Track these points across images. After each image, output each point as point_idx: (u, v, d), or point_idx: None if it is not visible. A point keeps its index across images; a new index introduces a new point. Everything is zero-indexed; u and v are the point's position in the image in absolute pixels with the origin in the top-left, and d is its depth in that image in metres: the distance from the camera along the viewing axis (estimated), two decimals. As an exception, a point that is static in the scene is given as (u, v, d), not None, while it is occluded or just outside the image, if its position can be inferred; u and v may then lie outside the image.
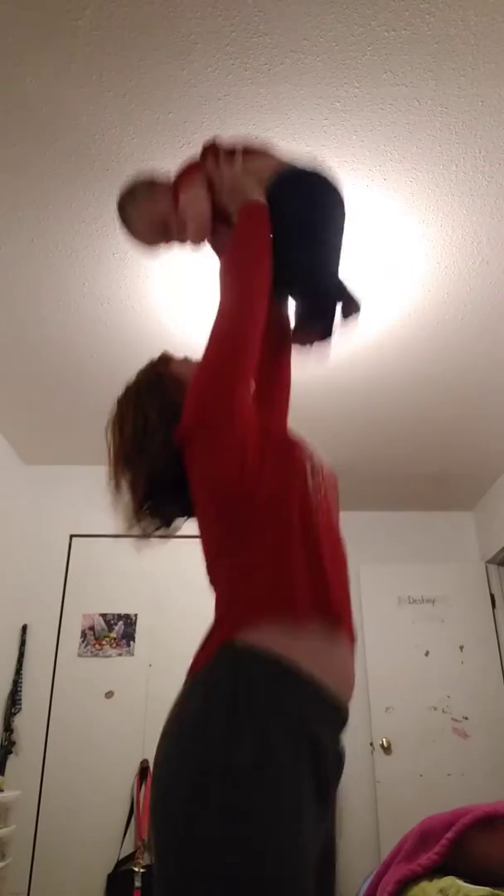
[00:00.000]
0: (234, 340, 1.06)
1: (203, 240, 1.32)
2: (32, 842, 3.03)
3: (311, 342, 1.28)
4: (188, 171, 1.34)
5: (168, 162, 1.91)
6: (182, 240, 1.33)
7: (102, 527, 3.65)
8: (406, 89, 1.72)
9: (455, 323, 2.64)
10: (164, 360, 1.26)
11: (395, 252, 2.27)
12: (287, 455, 1.05)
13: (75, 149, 1.87)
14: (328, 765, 0.86)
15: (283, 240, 1.18)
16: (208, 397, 1.02)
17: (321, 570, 0.96)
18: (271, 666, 0.86)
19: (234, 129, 1.81)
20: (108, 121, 1.79)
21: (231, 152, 1.32)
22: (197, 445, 1.02)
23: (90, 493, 3.83)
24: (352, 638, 0.99)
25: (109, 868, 2.94)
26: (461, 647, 4.00)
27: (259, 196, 1.22)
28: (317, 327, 1.26)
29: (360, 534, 4.41)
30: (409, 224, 2.15)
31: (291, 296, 1.30)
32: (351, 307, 1.26)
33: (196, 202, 1.29)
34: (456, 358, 2.87)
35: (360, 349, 2.79)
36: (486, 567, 4.23)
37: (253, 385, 1.12)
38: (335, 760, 0.90)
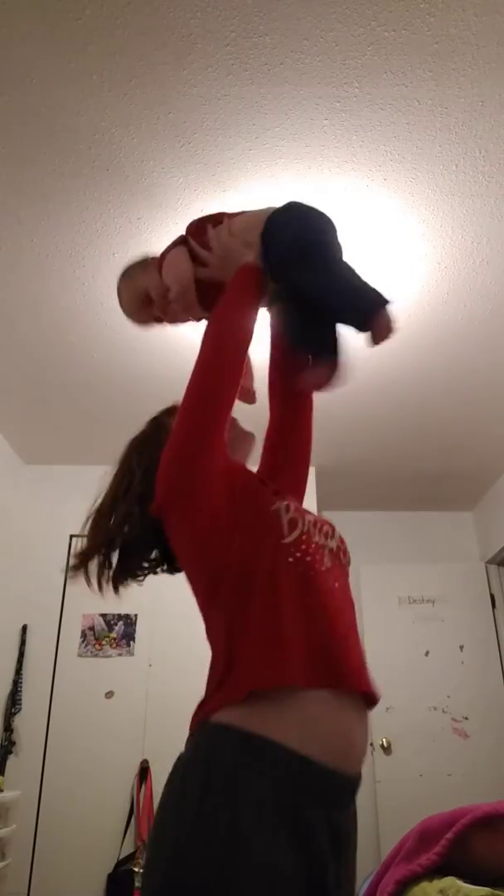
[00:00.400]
0: (198, 412, 1.06)
1: (186, 301, 1.31)
2: (32, 842, 3.03)
3: (324, 378, 1.24)
4: (171, 245, 1.35)
5: (168, 162, 1.91)
6: (168, 309, 1.34)
7: (102, 527, 3.68)
8: (406, 89, 1.72)
9: (455, 323, 2.64)
10: (169, 412, 1.25)
11: (395, 252, 2.27)
12: (257, 516, 1.01)
13: (75, 149, 1.87)
14: (320, 840, 0.82)
15: (291, 271, 1.17)
16: (174, 472, 1.04)
17: (307, 634, 0.91)
18: (244, 745, 0.84)
19: (234, 129, 1.81)
20: (108, 121, 1.79)
21: (218, 221, 1.31)
22: (172, 517, 1.04)
23: (90, 493, 3.84)
24: (362, 699, 0.93)
25: (109, 868, 2.94)
26: (461, 647, 4.00)
27: (250, 257, 1.21)
28: (324, 359, 1.23)
29: (360, 534, 4.42)
30: (409, 224, 2.15)
31: (321, 325, 1.24)
32: (377, 310, 1.16)
33: (176, 264, 1.31)
34: (456, 358, 2.87)
35: (360, 349, 2.78)
36: (486, 567, 4.23)
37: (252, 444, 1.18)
38: (335, 831, 0.85)
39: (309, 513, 1.07)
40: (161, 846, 0.81)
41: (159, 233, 2.14)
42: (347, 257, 1.22)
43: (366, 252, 2.25)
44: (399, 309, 2.53)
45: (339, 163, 1.92)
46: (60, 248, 2.24)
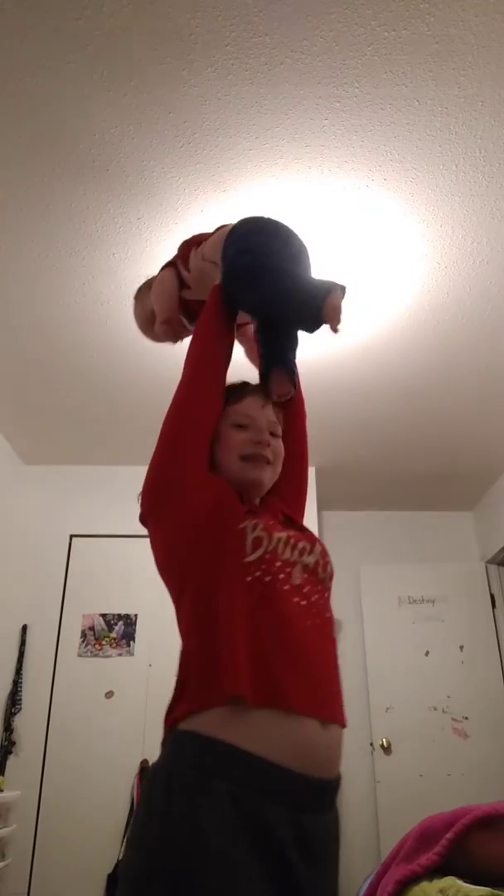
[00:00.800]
0: (175, 432, 1.12)
1: (171, 323, 1.40)
2: (32, 842, 3.03)
3: (283, 384, 1.26)
4: (161, 268, 1.44)
5: (168, 162, 1.91)
6: (159, 330, 1.43)
7: (102, 527, 3.68)
8: (406, 89, 1.72)
9: (455, 323, 2.64)
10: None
11: (395, 252, 2.27)
12: (221, 534, 1.01)
13: (75, 149, 1.87)
14: (283, 839, 0.83)
15: (237, 292, 1.22)
16: (153, 486, 1.11)
17: (254, 656, 0.91)
18: (203, 749, 0.88)
19: (234, 129, 1.81)
20: (108, 121, 1.79)
21: (198, 243, 1.38)
22: (151, 527, 1.12)
23: (90, 493, 3.85)
24: (324, 718, 0.93)
25: (109, 868, 2.94)
26: (461, 647, 4.00)
27: (209, 279, 1.29)
28: (278, 366, 1.26)
29: (360, 534, 4.42)
30: (409, 224, 2.15)
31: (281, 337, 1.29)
32: (323, 302, 1.14)
33: (160, 288, 1.40)
34: (456, 358, 2.87)
35: (360, 349, 2.79)
36: (486, 567, 4.23)
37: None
38: (303, 833, 0.86)
39: (289, 529, 1.10)
40: (132, 848, 0.86)
41: (159, 233, 2.14)
42: (306, 261, 1.27)
43: (366, 252, 2.25)
44: (398, 309, 2.54)
45: (339, 163, 1.92)
46: (60, 248, 2.24)
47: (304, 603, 1.00)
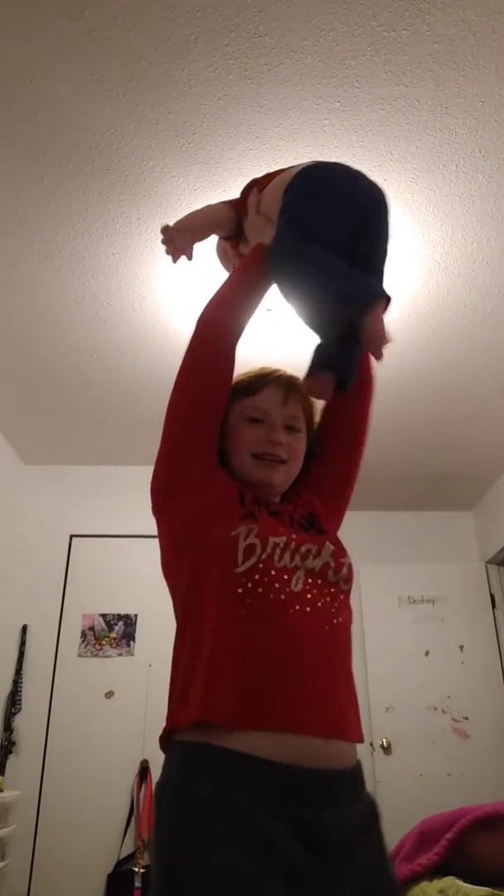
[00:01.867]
0: (177, 419, 1.05)
1: (182, 228, 1.27)
2: (32, 842, 3.03)
3: (325, 391, 1.11)
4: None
5: (168, 162, 1.92)
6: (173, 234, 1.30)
7: (102, 527, 3.68)
8: (406, 89, 1.72)
9: (455, 323, 2.64)
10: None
11: (395, 252, 2.27)
12: (211, 541, 0.96)
13: (75, 149, 1.87)
14: (280, 837, 0.79)
15: (276, 274, 1.07)
16: (155, 481, 1.06)
17: (242, 675, 0.87)
18: (190, 754, 0.86)
19: (234, 129, 1.81)
20: (108, 121, 1.79)
21: (263, 185, 1.20)
22: (157, 525, 1.08)
23: (90, 493, 3.85)
24: (321, 734, 0.86)
25: (109, 868, 2.94)
26: (461, 647, 4.00)
27: (260, 238, 1.14)
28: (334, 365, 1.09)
29: (360, 534, 4.42)
30: (408, 224, 2.15)
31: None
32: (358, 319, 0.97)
33: (207, 206, 1.30)
34: (456, 358, 2.87)
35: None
36: (486, 567, 4.23)
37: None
38: (307, 827, 0.81)
39: (297, 531, 1.02)
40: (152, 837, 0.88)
41: (159, 233, 2.14)
42: (371, 239, 1.10)
43: (366, 252, 2.25)
44: (398, 309, 2.53)
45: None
46: (60, 248, 2.24)
47: (308, 610, 0.92)
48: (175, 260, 1.28)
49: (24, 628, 3.42)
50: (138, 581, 3.51)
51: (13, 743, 3.17)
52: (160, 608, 3.69)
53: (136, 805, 3.08)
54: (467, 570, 4.25)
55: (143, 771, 3.15)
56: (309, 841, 0.81)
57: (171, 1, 1.52)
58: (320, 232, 1.02)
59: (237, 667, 0.87)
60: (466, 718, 3.80)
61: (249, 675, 0.87)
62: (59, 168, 1.93)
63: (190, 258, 1.29)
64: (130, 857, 2.95)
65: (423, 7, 1.54)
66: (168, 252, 1.27)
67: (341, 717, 0.91)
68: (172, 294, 2.45)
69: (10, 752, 3.15)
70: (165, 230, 1.26)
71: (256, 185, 1.21)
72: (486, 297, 2.50)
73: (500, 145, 1.88)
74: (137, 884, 2.83)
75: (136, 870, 2.87)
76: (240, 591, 0.91)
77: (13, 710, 3.22)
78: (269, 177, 1.20)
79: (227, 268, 1.33)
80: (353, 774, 0.91)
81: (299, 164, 1.14)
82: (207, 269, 2.28)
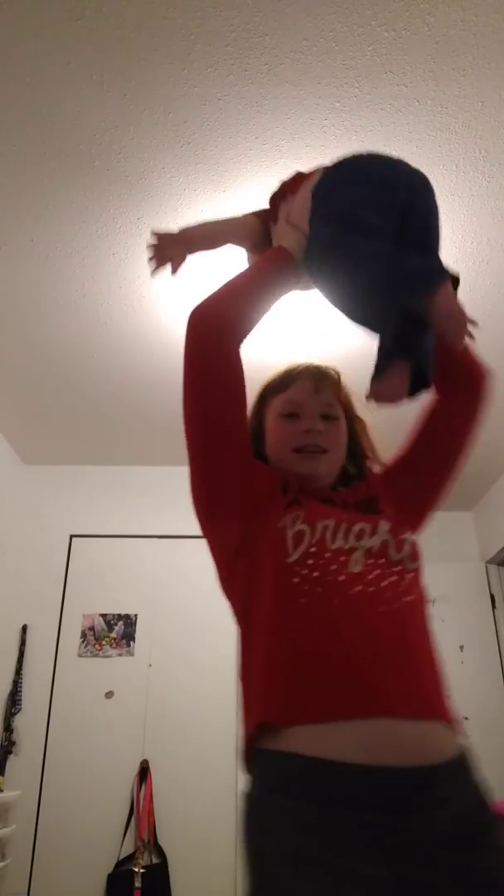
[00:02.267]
0: (200, 448, 0.98)
1: (189, 239, 1.19)
2: (32, 842, 3.03)
3: (396, 394, 1.00)
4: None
5: (168, 162, 1.91)
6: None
7: (102, 527, 3.69)
8: (406, 89, 1.72)
9: (455, 323, 2.64)
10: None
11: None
12: (261, 536, 0.92)
13: (75, 149, 1.87)
14: (368, 853, 0.70)
15: (314, 274, 0.98)
16: (195, 499, 1.00)
17: (312, 666, 0.82)
18: (267, 763, 0.81)
19: (234, 129, 1.81)
20: (108, 121, 1.79)
21: (293, 191, 1.11)
22: (206, 539, 1.02)
23: (90, 493, 3.85)
24: (402, 714, 0.78)
25: (109, 868, 2.94)
26: (461, 647, 3.99)
27: (284, 241, 1.06)
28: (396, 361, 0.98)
29: (360, 534, 4.41)
30: (409, 224, 2.15)
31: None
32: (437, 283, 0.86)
33: (235, 218, 1.20)
34: (456, 358, 2.87)
35: (360, 351, 2.78)
36: (486, 567, 4.23)
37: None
38: (403, 835, 0.72)
39: (349, 512, 0.97)
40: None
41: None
42: (420, 225, 1.02)
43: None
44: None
45: (339, 163, 1.92)
46: (61, 248, 2.24)
47: (371, 590, 0.87)
48: (155, 272, 1.19)
49: (24, 628, 3.42)
50: (138, 581, 3.51)
51: (13, 743, 3.17)
52: (160, 608, 3.69)
53: (136, 805, 3.08)
54: (467, 570, 4.24)
55: (143, 771, 3.15)
56: (410, 853, 0.71)
57: (171, 1, 1.52)
58: (360, 220, 0.92)
59: (306, 658, 0.83)
60: (466, 718, 3.79)
61: (319, 665, 0.82)
62: (58, 168, 1.93)
63: (174, 272, 1.19)
64: (130, 857, 2.95)
65: (423, 7, 1.54)
66: (151, 259, 1.17)
67: (427, 693, 0.83)
68: (172, 294, 2.45)
69: (10, 752, 3.15)
70: (159, 237, 1.16)
71: (288, 192, 1.12)
72: (486, 298, 2.50)
73: (500, 145, 1.88)
74: (137, 884, 2.83)
75: (136, 870, 2.87)
76: (296, 580, 0.87)
77: (13, 710, 3.22)
78: (297, 181, 1.12)
79: None
80: (458, 764, 0.81)
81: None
82: (207, 268, 2.28)
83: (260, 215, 1.18)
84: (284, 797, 0.76)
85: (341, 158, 1.06)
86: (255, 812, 0.79)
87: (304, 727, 0.78)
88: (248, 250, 1.19)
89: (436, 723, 0.81)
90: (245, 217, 1.18)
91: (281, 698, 0.81)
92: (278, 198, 1.14)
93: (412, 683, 0.82)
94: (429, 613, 0.95)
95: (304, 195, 1.05)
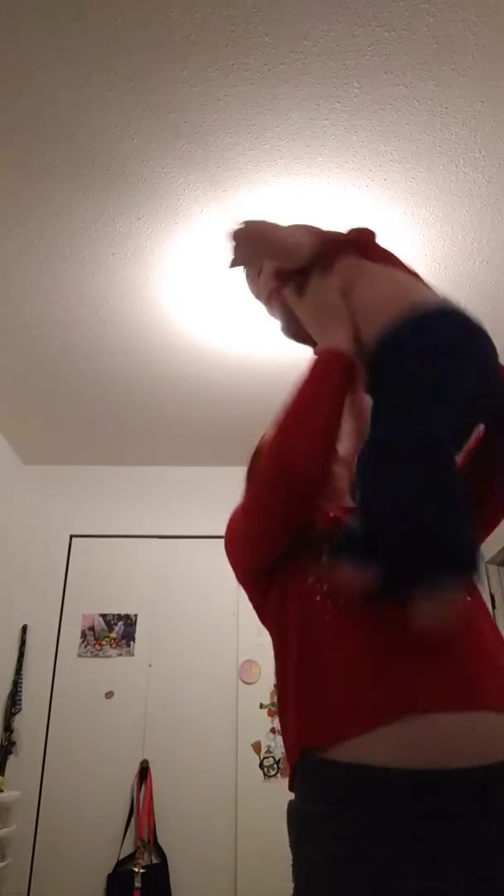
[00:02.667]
0: (251, 549, 0.97)
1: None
2: (32, 842, 3.03)
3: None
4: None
5: (168, 162, 1.91)
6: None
7: (102, 527, 3.68)
8: (406, 89, 1.72)
9: (455, 323, 2.64)
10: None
11: (395, 252, 2.27)
12: (292, 557, 0.91)
13: (75, 149, 1.87)
14: (411, 848, 0.67)
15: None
16: (240, 572, 1.01)
17: (349, 675, 0.79)
18: (313, 772, 0.79)
19: (234, 129, 1.81)
20: (108, 121, 1.79)
21: (364, 253, 0.96)
22: (249, 593, 1.03)
23: (90, 493, 3.86)
24: (456, 707, 0.73)
25: (109, 868, 2.94)
26: (461, 647, 3.99)
27: (336, 340, 0.91)
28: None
29: (360, 534, 4.41)
30: (409, 224, 2.15)
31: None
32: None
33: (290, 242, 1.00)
34: (456, 358, 2.86)
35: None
36: (486, 567, 4.23)
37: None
38: (453, 845, 0.67)
39: None
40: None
41: (159, 233, 2.14)
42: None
43: (366, 252, 2.25)
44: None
45: (339, 163, 1.92)
46: (61, 248, 2.23)
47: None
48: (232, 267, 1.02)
49: (24, 628, 3.42)
50: (138, 581, 3.51)
51: (13, 743, 3.17)
52: (160, 608, 3.68)
53: (136, 805, 3.08)
54: (467, 570, 4.24)
55: (143, 771, 3.15)
56: (470, 863, 0.66)
57: (171, 1, 1.52)
58: (445, 419, 0.77)
59: (329, 674, 0.81)
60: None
61: (343, 676, 0.80)
62: (59, 168, 1.93)
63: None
64: (130, 857, 2.95)
65: (423, 7, 1.54)
66: (232, 257, 1.00)
67: (474, 680, 0.77)
68: (172, 294, 2.45)
69: (10, 752, 3.15)
70: (238, 236, 0.96)
71: (356, 247, 0.97)
72: (486, 297, 2.49)
73: (500, 145, 1.88)
74: (137, 884, 2.83)
75: (136, 870, 2.87)
76: (318, 598, 0.88)
77: (13, 710, 3.22)
78: (369, 245, 0.95)
79: (253, 290, 1.13)
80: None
81: (417, 291, 0.94)
82: (208, 269, 2.28)
83: (319, 243, 1.01)
84: (330, 807, 0.74)
85: (436, 312, 0.92)
86: (303, 822, 0.79)
87: (347, 742, 0.75)
88: (271, 273, 1.05)
89: (489, 713, 0.74)
90: (305, 240, 0.99)
91: (316, 722, 0.80)
92: (344, 244, 0.99)
93: (452, 673, 0.76)
94: (485, 608, 0.89)
95: (383, 302, 0.91)
